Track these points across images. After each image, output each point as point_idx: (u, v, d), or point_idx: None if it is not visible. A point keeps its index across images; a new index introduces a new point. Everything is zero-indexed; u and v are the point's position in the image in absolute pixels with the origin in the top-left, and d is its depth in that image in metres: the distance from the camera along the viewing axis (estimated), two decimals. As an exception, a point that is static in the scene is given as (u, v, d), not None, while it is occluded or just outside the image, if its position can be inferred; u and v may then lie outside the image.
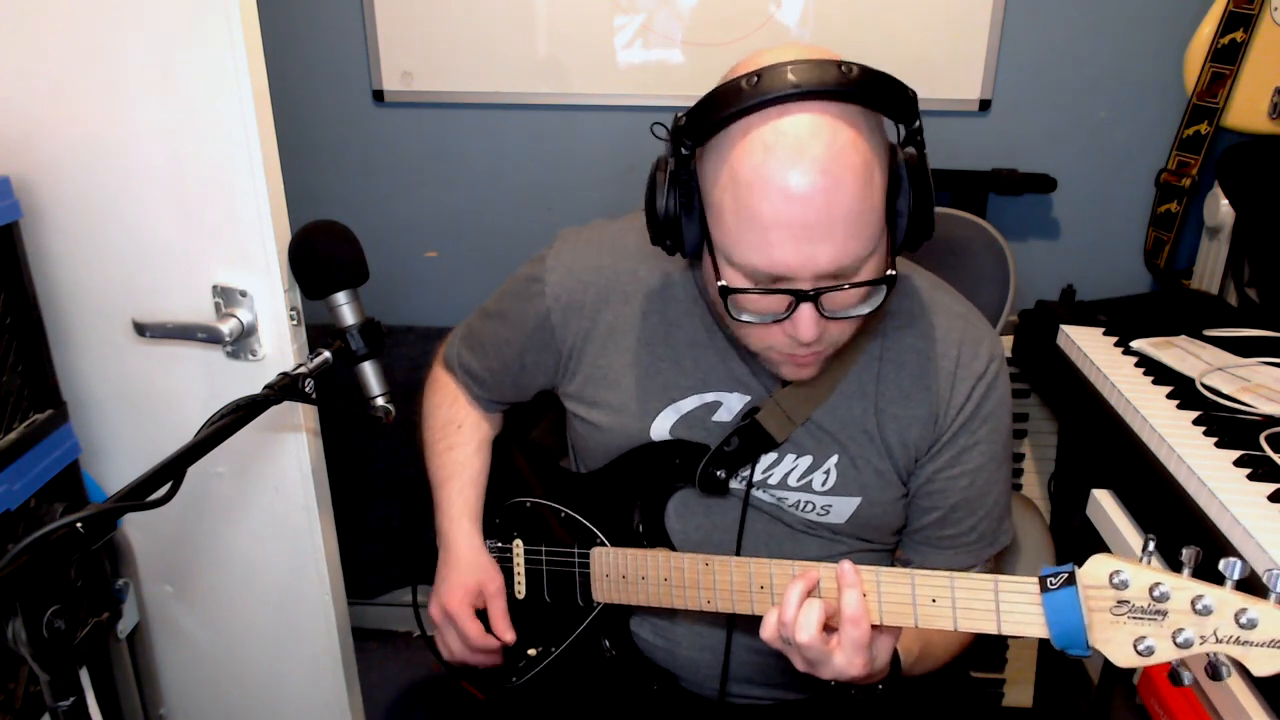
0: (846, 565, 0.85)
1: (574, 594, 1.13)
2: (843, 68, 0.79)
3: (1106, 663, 0.76)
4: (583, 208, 1.97)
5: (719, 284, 0.86)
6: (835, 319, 0.87)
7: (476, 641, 1.14)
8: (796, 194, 0.79)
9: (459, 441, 1.21)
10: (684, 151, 0.85)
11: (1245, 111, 1.62)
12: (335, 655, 1.35)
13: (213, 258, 1.13)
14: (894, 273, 0.86)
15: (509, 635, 1.14)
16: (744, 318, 0.88)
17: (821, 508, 1.04)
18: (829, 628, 0.84)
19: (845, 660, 0.83)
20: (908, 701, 1.14)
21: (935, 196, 0.87)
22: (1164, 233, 1.79)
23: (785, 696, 1.13)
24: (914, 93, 0.83)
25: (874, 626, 0.84)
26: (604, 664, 1.14)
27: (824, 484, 1.03)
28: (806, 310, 0.85)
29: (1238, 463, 1.08)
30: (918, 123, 0.84)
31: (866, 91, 0.80)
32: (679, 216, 0.88)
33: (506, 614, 1.15)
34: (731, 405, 1.05)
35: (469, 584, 1.15)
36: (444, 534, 1.19)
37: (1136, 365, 1.36)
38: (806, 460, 1.03)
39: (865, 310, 0.88)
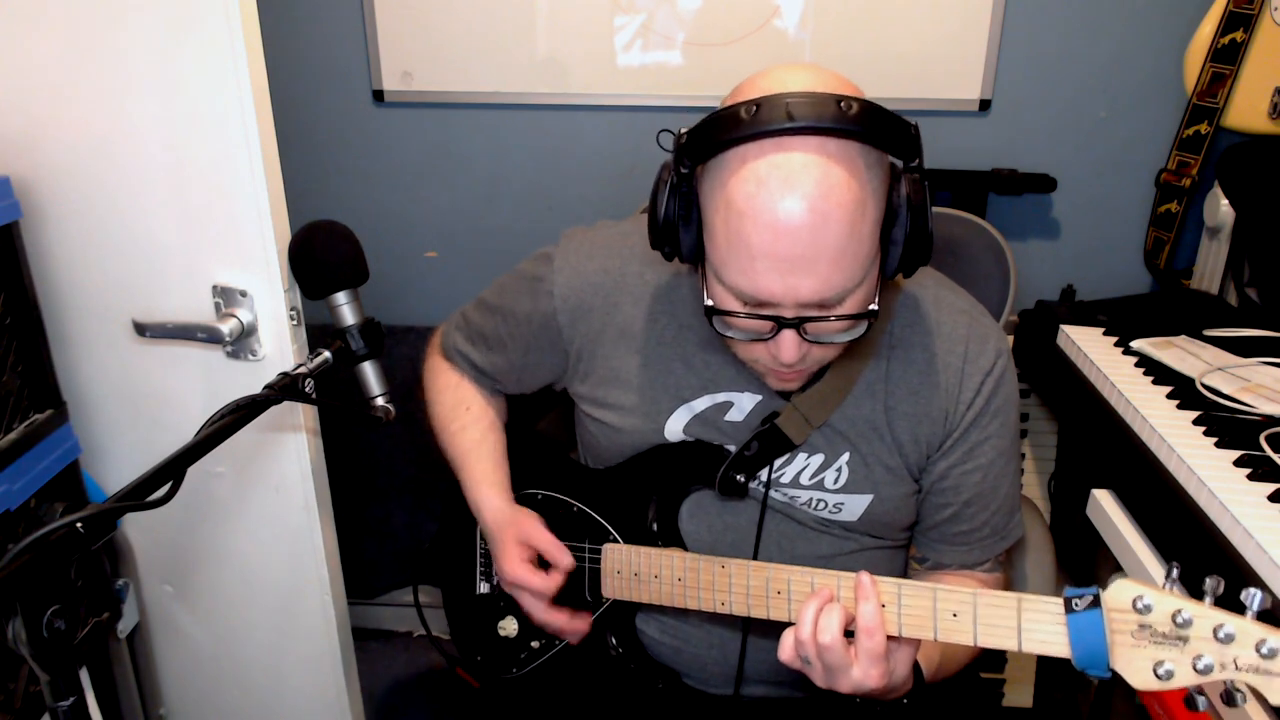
0: (865, 577, 0.86)
1: (582, 589, 1.13)
2: (841, 104, 0.80)
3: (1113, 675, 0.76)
4: (583, 208, 1.97)
5: (706, 303, 0.90)
6: (818, 343, 0.90)
7: (546, 588, 1.08)
8: (783, 228, 0.81)
9: (470, 421, 1.21)
10: (684, 170, 0.86)
11: (1245, 111, 1.62)
12: (335, 655, 1.35)
13: (213, 258, 1.13)
14: (875, 308, 0.88)
15: (566, 559, 1.09)
16: (729, 334, 0.91)
17: (834, 505, 1.05)
18: (848, 632, 0.86)
19: (862, 672, 0.84)
20: (909, 700, 1.14)
21: (931, 225, 0.88)
22: (1164, 233, 1.79)
23: (792, 695, 1.13)
24: (916, 129, 0.84)
25: (891, 638, 0.85)
26: (608, 660, 1.14)
27: (836, 482, 1.04)
28: (789, 335, 0.87)
29: (1238, 463, 1.08)
30: (917, 160, 0.85)
31: (865, 129, 0.81)
32: (677, 226, 0.90)
33: (556, 542, 1.10)
34: (743, 405, 1.05)
35: (511, 545, 1.11)
36: (474, 510, 1.17)
37: (1136, 365, 1.36)
38: (819, 459, 1.04)
39: (847, 338, 0.90)
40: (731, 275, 0.86)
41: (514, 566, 1.10)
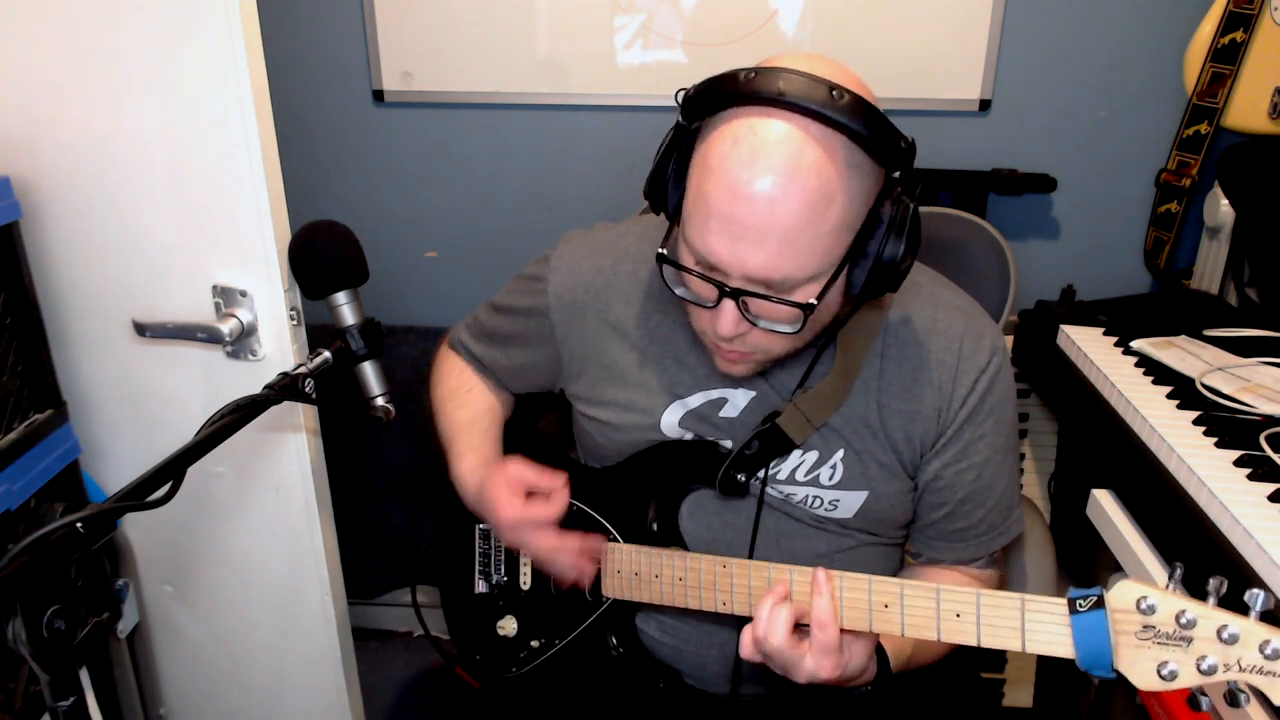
0: (820, 574, 0.87)
1: (582, 588, 1.13)
2: (834, 92, 0.80)
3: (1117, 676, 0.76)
4: (583, 208, 1.97)
5: (659, 250, 0.91)
6: (759, 327, 0.89)
7: (548, 514, 1.04)
8: (741, 193, 0.81)
9: (470, 402, 1.22)
10: (683, 123, 0.88)
11: (1245, 111, 1.62)
12: (335, 655, 1.35)
13: (213, 258, 1.13)
14: (813, 302, 0.86)
15: (560, 480, 1.05)
16: (678, 291, 0.93)
17: (829, 502, 1.05)
18: (804, 625, 0.88)
19: (815, 663, 0.86)
20: (910, 700, 1.15)
21: (902, 251, 0.86)
22: (1164, 233, 1.79)
23: (790, 694, 1.13)
24: (909, 142, 0.84)
25: (847, 631, 0.87)
26: (608, 660, 1.15)
27: (831, 479, 1.04)
28: (728, 306, 0.88)
29: (1238, 463, 1.08)
30: (906, 174, 0.84)
31: (849, 122, 0.80)
32: (669, 180, 0.91)
33: (545, 471, 1.06)
34: (737, 401, 1.05)
35: (501, 489, 1.06)
36: (458, 480, 1.15)
37: (1136, 365, 1.36)
38: (813, 455, 1.04)
39: (788, 329, 0.89)
40: (690, 230, 0.87)
41: (510, 506, 1.04)
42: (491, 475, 1.09)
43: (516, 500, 1.05)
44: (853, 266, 0.88)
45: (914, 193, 0.86)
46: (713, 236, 0.84)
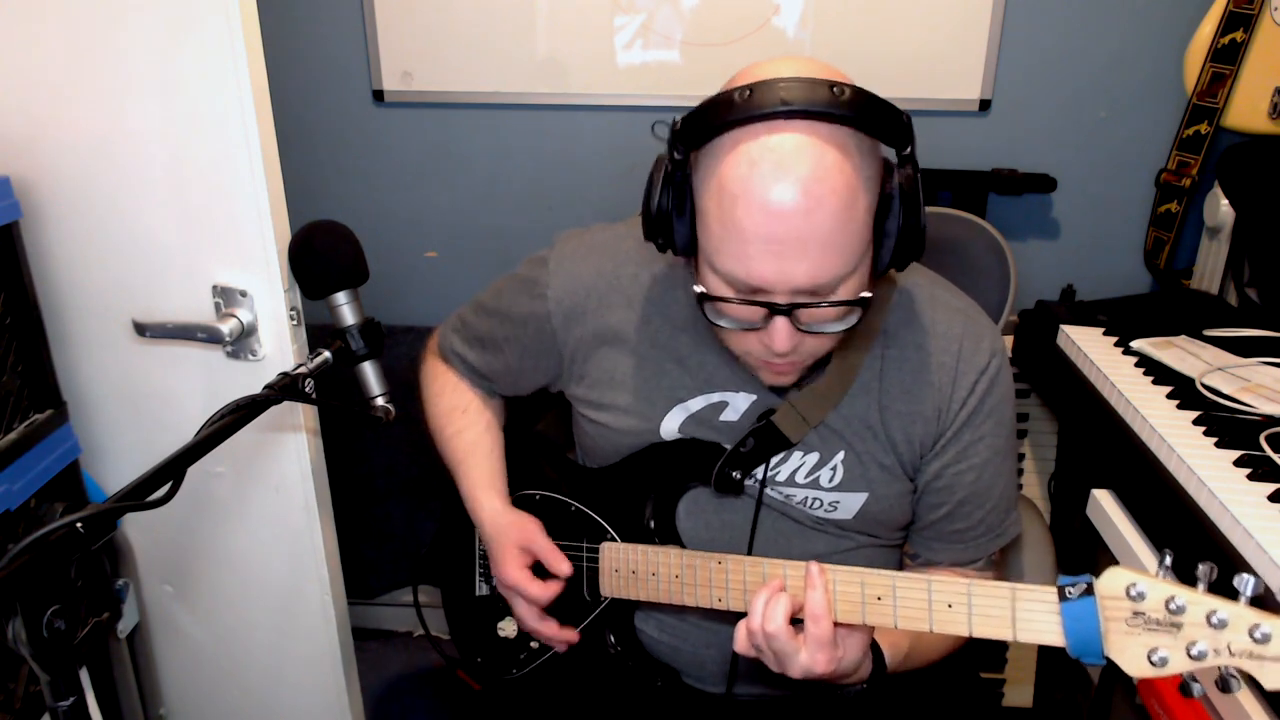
0: (813, 567, 0.88)
1: (580, 588, 1.13)
2: (834, 89, 0.80)
3: (1107, 663, 0.76)
4: (583, 208, 1.97)
5: (697, 290, 0.89)
6: (811, 333, 0.89)
7: (542, 597, 1.10)
8: (776, 210, 0.81)
9: (467, 424, 1.21)
10: (678, 156, 0.86)
11: (1245, 111, 1.62)
12: (335, 655, 1.35)
13: (213, 258, 1.13)
14: (869, 295, 0.87)
15: (565, 566, 1.10)
16: (722, 323, 0.91)
17: (829, 504, 1.05)
18: (798, 620, 0.88)
19: (809, 657, 0.86)
20: (909, 700, 1.15)
21: (924, 218, 0.87)
22: (1164, 233, 1.79)
23: (788, 693, 1.13)
24: (908, 117, 0.84)
25: (843, 625, 0.87)
26: (607, 659, 1.15)
27: (831, 480, 1.04)
28: (781, 323, 0.87)
29: (1238, 463, 1.08)
30: (909, 148, 0.85)
31: (857, 114, 0.81)
32: (671, 216, 0.89)
33: (555, 549, 1.11)
34: (738, 404, 1.05)
35: (511, 549, 1.12)
36: (472, 513, 1.18)
37: (1136, 365, 1.36)
38: (814, 457, 1.04)
39: (840, 328, 0.89)
40: (725, 261, 0.86)
41: (513, 571, 1.10)
42: (508, 532, 1.13)
43: (522, 568, 1.11)
44: (878, 247, 0.88)
45: (915, 164, 0.87)
46: (755, 261, 0.83)
